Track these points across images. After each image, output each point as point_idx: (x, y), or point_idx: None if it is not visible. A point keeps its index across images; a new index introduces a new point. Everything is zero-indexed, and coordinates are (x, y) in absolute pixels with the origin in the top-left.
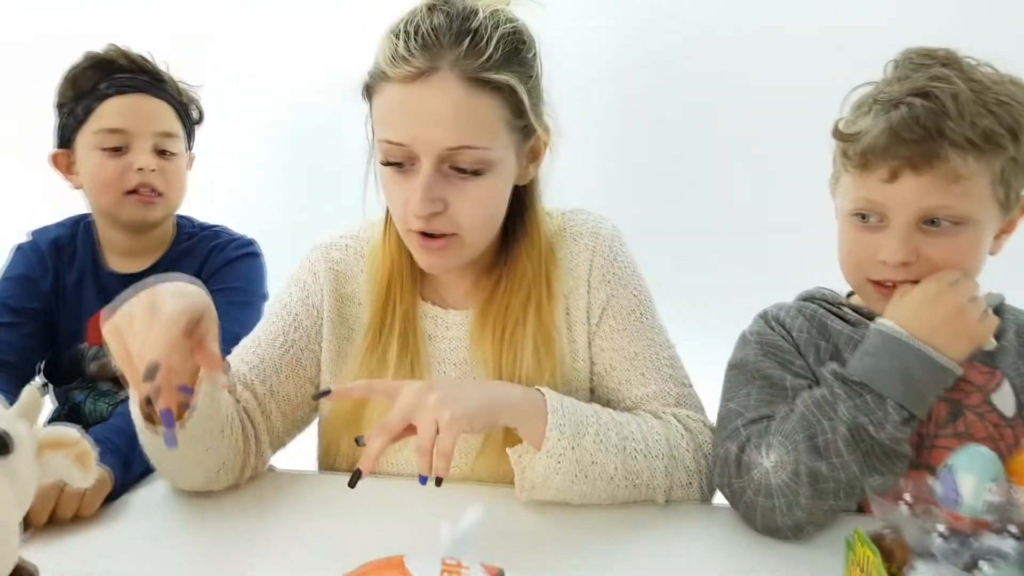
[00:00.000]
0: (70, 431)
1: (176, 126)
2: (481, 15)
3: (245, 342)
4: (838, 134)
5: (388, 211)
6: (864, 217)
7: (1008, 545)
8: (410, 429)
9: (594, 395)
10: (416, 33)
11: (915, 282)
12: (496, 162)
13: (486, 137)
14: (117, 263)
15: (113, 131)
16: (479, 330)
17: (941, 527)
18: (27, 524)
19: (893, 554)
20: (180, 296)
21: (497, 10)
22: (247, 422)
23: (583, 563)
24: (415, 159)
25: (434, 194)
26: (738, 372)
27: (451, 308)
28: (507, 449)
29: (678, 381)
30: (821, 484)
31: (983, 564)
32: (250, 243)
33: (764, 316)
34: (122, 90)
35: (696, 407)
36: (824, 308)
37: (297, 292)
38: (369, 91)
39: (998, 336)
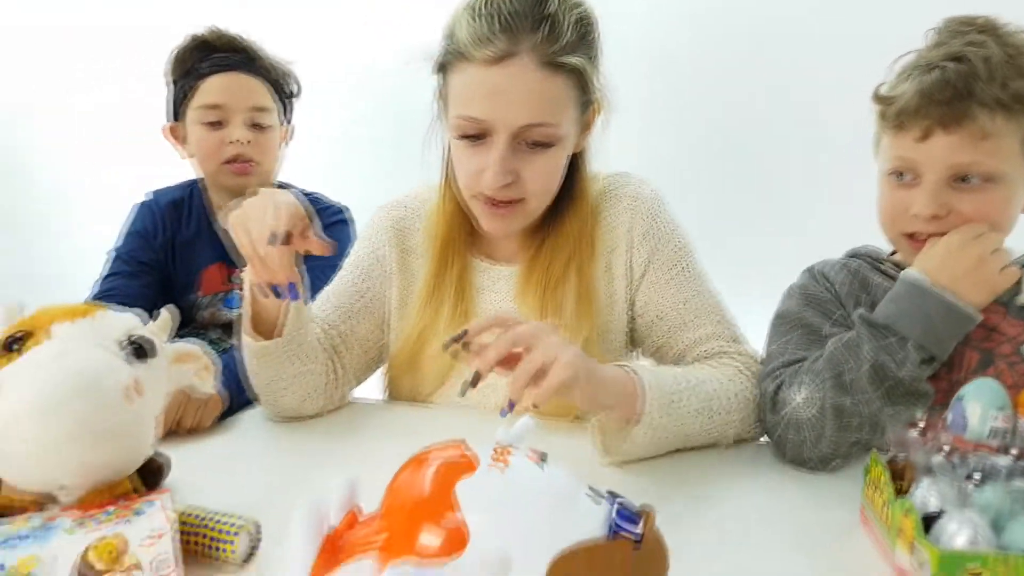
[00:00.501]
0: (196, 347)
1: (269, 100)
2: None
3: (326, 291)
4: (877, 98)
5: (445, 177)
6: (901, 175)
7: (1002, 462)
8: (509, 360)
9: (644, 344)
10: (497, 16)
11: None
12: (562, 136)
13: (557, 114)
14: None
15: (211, 107)
16: (523, 285)
17: (946, 448)
18: None
19: (904, 474)
20: (288, 193)
21: None
22: (328, 357)
23: (626, 486)
24: (490, 133)
25: (508, 167)
26: (782, 321)
27: (500, 263)
28: (593, 420)
29: (728, 323)
30: (845, 419)
31: (976, 475)
32: (342, 210)
33: (810, 270)
34: (219, 68)
35: (747, 344)
36: (867, 263)
37: (366, 248)
38: (444, 67)
39: None
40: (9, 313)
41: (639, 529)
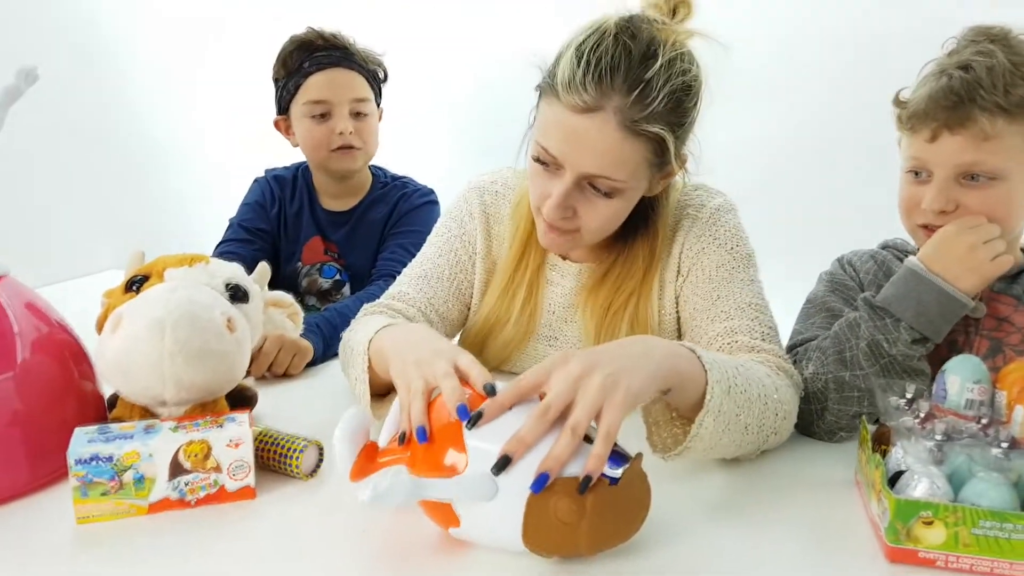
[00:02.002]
0: (287, 296)
1: (366, 90)
2: (659, 63)
3: (417, 271)
4: (896, 101)
5: None
6: (917, 174)
7: (969, 428)
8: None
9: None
10: (595, 66)
11: None
12: (628, 190)
13: (625, 173)
14: (328, 203)
15: (317, 102)
16: (585, 299)
17: (922, 415)
18: (249, 371)
19: (888, 438)
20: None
21: (676, 57)
22: None
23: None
24: (560, 167)
25: (568, 203)
26: (810, 305)
27: (570, 260)
28: (643, 415)
29: (763, 323)
30: (846, 392)
31: (939, 438)
32: (430, 192)
33: (840, 260)
34: (321, 67)
35: (781, 346)
36: (893, 255)
37: (456, 229)
38: (541, 90)
39: None
40: (133, 260)
41: (618, 473)
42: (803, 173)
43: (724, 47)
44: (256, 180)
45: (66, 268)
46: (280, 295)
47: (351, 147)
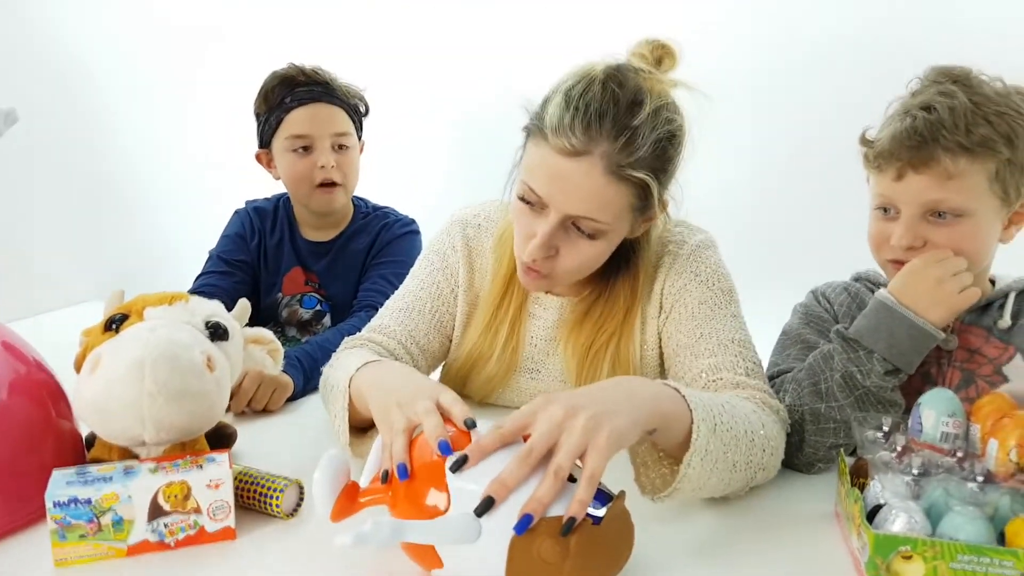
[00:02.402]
0: (267, 332)
1: (348, 124)
2: (645, 111)
3: (398, 304)
4: (862, 140)
5: None
6: (886, 210)
7: (946, 462)
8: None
9: (664, 377)
10: (584, 112)
11: None
12: (610, 232)
13: (609, 215)
14: (309, 234)
15: (299, 136)
16: (567, 334)
17: (898, 448)
18: (229, 407)
19: (866, 471)
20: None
21: (662, 106)
22: None
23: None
24: (545, 207)
25: (551, 243)
26: (785, 336)
27: (552, 294)
28: (632, 456)
29: (747, 358)
30: (822, 424)
31: (915, 472)
32: (411, 222)
33: (814, 291)
34: (303, 102)
35: (765, 381)
36: (866, 287)
37: (438, 262)
38: (528, 131)
39: (1016, 317)
40: (113, 299)
41: (600, 512)
42: (782, 206)
43: (707, 97)
44: (236, 212)
45: (45, 299)
46: (260, 332)
47: (333, 183)
